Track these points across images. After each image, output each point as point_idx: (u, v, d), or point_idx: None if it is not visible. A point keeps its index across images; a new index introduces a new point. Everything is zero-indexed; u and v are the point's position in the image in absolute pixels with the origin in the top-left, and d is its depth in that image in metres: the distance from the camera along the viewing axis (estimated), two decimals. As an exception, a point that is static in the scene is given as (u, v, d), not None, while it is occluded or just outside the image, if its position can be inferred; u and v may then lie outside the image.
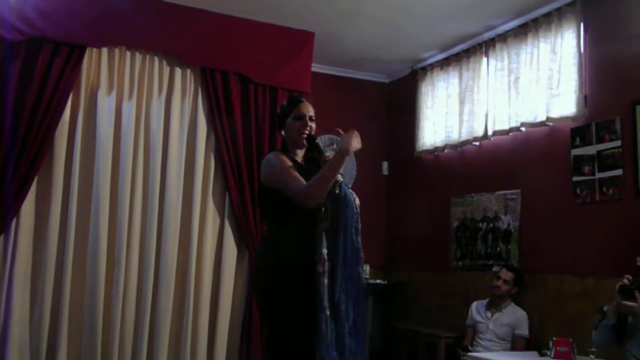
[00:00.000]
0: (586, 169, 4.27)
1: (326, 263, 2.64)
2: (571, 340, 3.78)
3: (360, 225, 2.78)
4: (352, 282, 2.69)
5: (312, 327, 2.61)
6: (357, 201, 2.81)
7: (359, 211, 2.80)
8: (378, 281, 5.97)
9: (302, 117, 2.89)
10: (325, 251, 2.65)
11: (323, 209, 2.70)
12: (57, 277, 4.32)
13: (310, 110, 2.93)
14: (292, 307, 2.71)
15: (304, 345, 2.64)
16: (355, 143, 2.74)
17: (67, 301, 4.30)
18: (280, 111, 3.00)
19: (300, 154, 2.95)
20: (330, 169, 2.67)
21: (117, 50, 4.60)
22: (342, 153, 2.68)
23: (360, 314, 2.71)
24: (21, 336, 4.22)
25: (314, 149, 2.89)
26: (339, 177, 2.73)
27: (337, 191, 2.71)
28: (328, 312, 2.60)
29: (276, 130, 3.19)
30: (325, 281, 2.63)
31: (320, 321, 2.60)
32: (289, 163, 2.80)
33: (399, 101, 6.46)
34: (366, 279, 5.88)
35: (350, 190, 2.80)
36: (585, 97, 4.33)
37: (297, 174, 2.74)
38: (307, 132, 2.89)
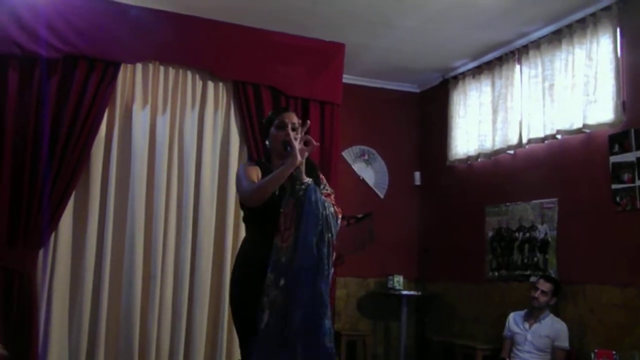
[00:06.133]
0: (626, 176, 4.18)
1: (275, 275, 2.55)
2: (614, 352, 3.69)
3: (331, 235, 2.67)
4: (306, 292, 2.53)
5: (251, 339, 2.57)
6: (333, 209, 2.71)
7: (337, 221, 2.72)
8: (412, 292, 5.92)
9: (283, 126, 2.80)
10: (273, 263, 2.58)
11: (282, 217, 2.61)
12: (94, 290, 4.38)
13: (293, 119, 2.85)
14: (240, 315, 2.72)
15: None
16: (301, 153, 2.62)
17: (104, 314, 4.35)
18: (265, 121, 2.96)
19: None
20: (275, 178, 2.61)
21: (150, 66, 4.67)
22: (292, 163, 2.60)
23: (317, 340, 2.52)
24: (60, 348, 4.28)
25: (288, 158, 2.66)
26: (307, 181, 2.65)
27: (300, 194, 2.62)
28: (269, 330, 2.51)
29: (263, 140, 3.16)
30: (271, 292, 2.55)
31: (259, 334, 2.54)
32: (253, 173, 2.77)
33: (430, 111, 6.42)
34: (400, 290, 5.84)
35: (326, 199, 2.72)
36: (624, 102, 4.25)
37: (251, 177, 2.72)
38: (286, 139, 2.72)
